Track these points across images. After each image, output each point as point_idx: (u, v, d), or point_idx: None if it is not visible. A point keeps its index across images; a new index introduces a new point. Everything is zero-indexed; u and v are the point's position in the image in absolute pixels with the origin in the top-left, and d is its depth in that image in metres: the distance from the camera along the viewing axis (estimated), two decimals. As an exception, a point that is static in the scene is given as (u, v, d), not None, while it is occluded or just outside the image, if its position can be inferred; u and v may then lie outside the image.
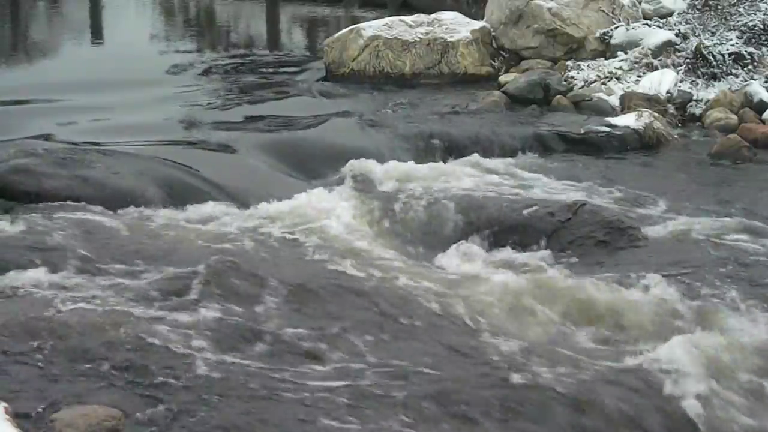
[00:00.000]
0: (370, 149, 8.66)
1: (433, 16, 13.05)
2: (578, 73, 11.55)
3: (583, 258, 6.40)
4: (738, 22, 11.80)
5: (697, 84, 10.98)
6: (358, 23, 13.30)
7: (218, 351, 4.70)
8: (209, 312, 5.11)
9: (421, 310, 5.38)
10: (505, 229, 6.73)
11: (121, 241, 6.05)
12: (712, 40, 11.49)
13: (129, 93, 10.89)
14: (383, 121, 9.70)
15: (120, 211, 6.68)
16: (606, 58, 12.06)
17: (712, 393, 4.60)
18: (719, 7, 12.35)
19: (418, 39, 12.46)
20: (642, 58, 11.63)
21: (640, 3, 13.03)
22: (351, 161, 8.15)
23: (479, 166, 8.53)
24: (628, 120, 9.79)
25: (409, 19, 12.96)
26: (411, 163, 8.35)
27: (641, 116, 9.80)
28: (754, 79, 10.84)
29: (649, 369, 4.76)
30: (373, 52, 12.41)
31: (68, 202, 6.72)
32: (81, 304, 5.05)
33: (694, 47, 11.30)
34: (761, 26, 11.57)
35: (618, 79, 11.30)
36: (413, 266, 6.11)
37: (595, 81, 11.26)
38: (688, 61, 11.27)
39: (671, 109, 10.57)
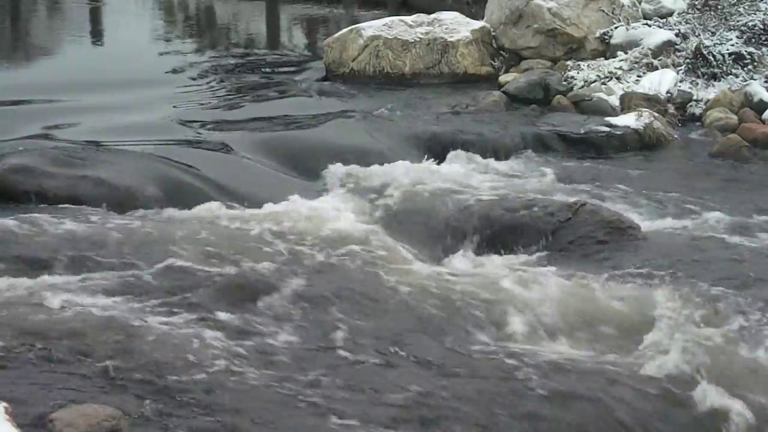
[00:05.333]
0: (370, 149, 8.66)
1: (433, 16, 13.04)
2: (578, 73, 11.54)
3: (583, 258, 6.40)
4: (738, 22, 11.79)
5: (697, 84, 10.98)
6: (358, 23, 13.30)
7: (219, 351, 4.70)
8: (210, 312, 5.12)
9: (421, 309, 5.39)
10: (504, 228, 6.73)
11: (122, 241, 6.04)
12: (712, 40, 11.49)
13: (129, 93, 10.88)
14: (383, 121, 9.70)
15: (120, 211, 6.68)
16: (606, 58, 12.05)
17: (711, 392, 4.60)
18: (719, 7, 12.34)
19: (418, 39, 12.46)
20: (642, 58, 11.62)
21: (640, 3, 13.02)
22: (350, 161, 8.15)
23: (479, 166, 8.53)
24: (628, 120, 9.79)
25: (409, 19, 12.95)
26: (410, 163, 8.35)
27: (641, 116, 9.80)
28: (754, 79, 10.83)
29: (648, 369, 4.76)
30: (373, 52, 12.40)
31: (68, 203, 6.72)
32: (81, 304, 5.05)
33: (694, 47, 11.29)
34: (761, 26, 11.56)
35: (618, 79, 11.29)
36: (412, 266, 6.10)
37: (595, 81, 11.25)
38: (688, 61, 11.27)
39: (671, 109, 10.56)
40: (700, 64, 11.12)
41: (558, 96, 10.98)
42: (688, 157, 9.29)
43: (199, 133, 9.15)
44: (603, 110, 10.51)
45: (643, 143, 9.55)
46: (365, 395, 4.40)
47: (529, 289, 5.69)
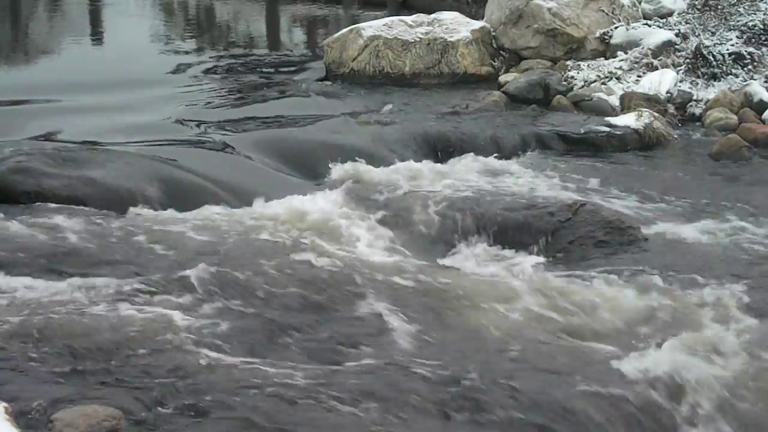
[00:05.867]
0: (370, 149, 8.66)
1: (433, 16, 13.05)
2: (578, 73, 11.54)
3: (583, 258, 6.40)
4: (738, 22, 11.79)
5: (697, 84, 10.98)
6: (358, 23, 13.29)
7: (218, 351, 4.70)
8: (209, 312, 5.12)
9: (420, 309, 5.39)
10: (505, 228, 6.74)
11: (121, 242, 6.05)
12: (712, 40, 11.49)
13: (129, 93, 10.88)
14: (383, 121, 9.70)
15: (120, 212, 6.68)
16: (606, 58, 12.05)
17: (709, 392, 4.60)
18: (719, 7, 12.34)
19: (418, 39, 12.46)
20: (642, 58, 11.62)
21: (640, 3, 13.02)
22: (351, 161, 8.15)
23: (479, 166, 8.52)
24: (628, 120, 9.79)
25: (409, 19, 12.95)
26: (410, 163, 8.35)
27: (641, 116, 9.80)
28: (754, 79, 10.83)
29: (647, 369, 4.76)
30: (373, 52, 12.40)
31: (68, 203, 6.72)
32: (81, 305, 5.05)
33: (694, 47, 11.29)
34: (761, 26, 11.56)
35: (618, 79, 11.29)
36: (413, 266, 6.10)
37: (595, 81, 11.25)
38: (688, 61, 11.26)
39: (671, 109, 10.56)
40: (700, 64, 11.11)
41: (558, 96, 10.97)
42: (688, 157, 9.30)
43: (200, 134, 9.15)
44: (603, 110, 10.51)
45: (643, 143, 9.54)
46: (369, 392, 4.41)
47: (528, 288, 5.69)
